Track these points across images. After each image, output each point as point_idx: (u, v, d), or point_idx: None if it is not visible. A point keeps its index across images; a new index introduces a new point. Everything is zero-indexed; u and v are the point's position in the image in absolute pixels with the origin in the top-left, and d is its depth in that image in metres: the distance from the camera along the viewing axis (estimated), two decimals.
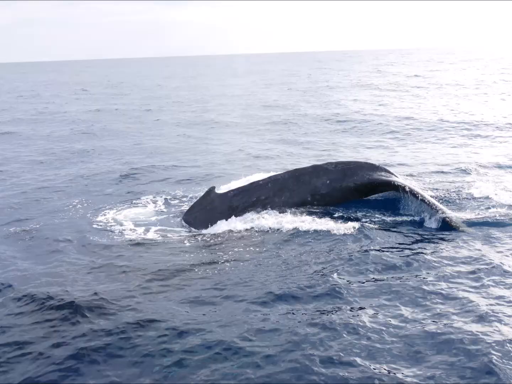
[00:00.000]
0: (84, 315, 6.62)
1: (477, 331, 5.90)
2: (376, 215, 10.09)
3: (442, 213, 9.32)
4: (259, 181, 10.98)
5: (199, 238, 9.62)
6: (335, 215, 10.09)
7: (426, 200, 9.58)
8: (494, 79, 45.55)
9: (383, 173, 10.45)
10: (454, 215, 9.56)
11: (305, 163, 15.25)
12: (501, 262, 7.75)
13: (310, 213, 10.10)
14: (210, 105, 35.51)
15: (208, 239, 9.53)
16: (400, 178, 10.70)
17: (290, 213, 10.03)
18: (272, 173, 11.49)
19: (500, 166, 14.23)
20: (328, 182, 10.56)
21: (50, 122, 28.96)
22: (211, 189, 10.88)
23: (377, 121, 24.01)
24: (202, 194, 11.07)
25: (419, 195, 9.69)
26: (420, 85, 43.42)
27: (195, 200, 11.22)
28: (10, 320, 6.67)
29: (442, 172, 13.76)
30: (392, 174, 10.59)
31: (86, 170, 16.26)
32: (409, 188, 9.84)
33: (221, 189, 11.63)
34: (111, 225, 10.52)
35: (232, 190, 10.91)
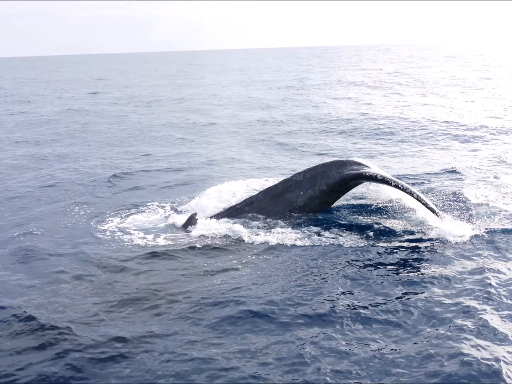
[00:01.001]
0: (83, 336, 6.43)
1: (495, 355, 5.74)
2: (360, 222, 10.10)
3: (419, 198, 9.27)
4: (236, 205, 10.83)
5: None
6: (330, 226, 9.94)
7: (400, 186, 9.45)
8: (478, 76, 46.21)
9: (353, 167, 10.27)
10: (431, 202, 9.64)
11: (289, 166, 15.23)
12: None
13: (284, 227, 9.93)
14: (190, 104, 35.20)
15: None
16: (374, 167, 10.54)
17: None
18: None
19: (490, 169, 14.25)
20: (302, 193, 10.42)
21: (27, 124, 28.03)
22: (193, 216, 10.48)
23: (361, 122, 23.93)
24: (185, 221, 10.57)
25: (392, 181, 9.56)
26: (403, 83, 43.90)
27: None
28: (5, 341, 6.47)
29: (435, 176, 13.73)
30: (364, 165, 10.42)
31: (72, 174, 15.85)
32: (381, 176, 9.73)
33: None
34: (114, 235, 10.22)
35: (212, 216, 10.66)
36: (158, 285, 7.89)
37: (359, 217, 10.44)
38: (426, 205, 9.19)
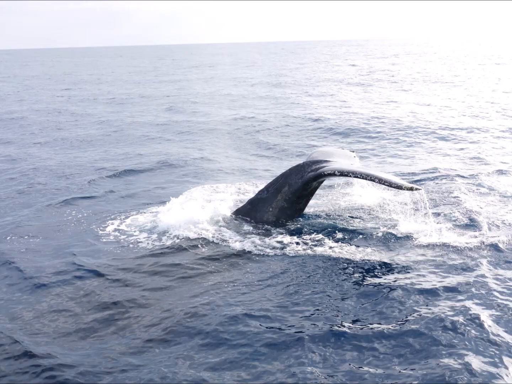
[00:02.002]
0: None
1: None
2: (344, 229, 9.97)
3: (383, 181, 9.12)
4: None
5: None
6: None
7: (359, 175, 9.34)
8: (454, 73, 46.82)
9: (313, 167, 10.10)
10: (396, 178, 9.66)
11: (266, 168, 15.04)
12: None
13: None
14: (164, 101, 34.64)
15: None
16: (336, 158, 10.42)
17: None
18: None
19: (476, 174, 14.09)
20: (271, 209, 10.35)
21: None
22: None
23: (342, 122, 23.63)
24: None
25: (351, 173, 9.47)
26: (381, 79, 44.03)
27: None
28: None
29: (422, 180, 13.61)
30: (323, 161, 10.22)
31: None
32: (339, 171, 9.63)
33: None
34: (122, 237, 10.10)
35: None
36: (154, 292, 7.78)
37: (343, 221, 10.41)
38: (392, 184, 9.00)
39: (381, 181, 9.08)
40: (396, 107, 27.92)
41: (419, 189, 8.88)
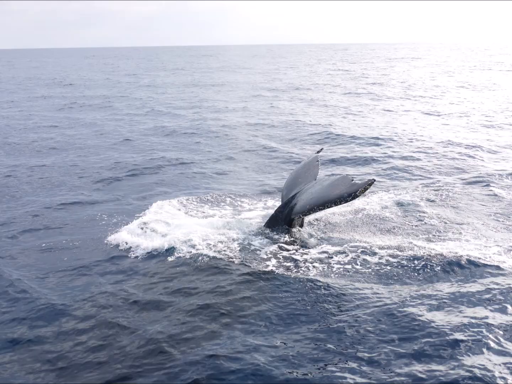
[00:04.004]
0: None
1: None
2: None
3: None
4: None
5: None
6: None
7: (320, 207, 9.42)
8: (448, 80, 47.16)
9: (284, 213, 10.26)
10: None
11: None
12: None
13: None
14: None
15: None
16: (300, 196, 10.33)
17: None
18: None
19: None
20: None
21: None
22: None
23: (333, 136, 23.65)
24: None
25: (306, 211, 9.64)
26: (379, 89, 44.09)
27: None
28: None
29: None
30: (293, 196, 10.36)
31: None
32: (301, 214, 9.86)
33: None
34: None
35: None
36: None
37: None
38: (347, 198, 8.94)
39: (337, 202, 9.04)
40: (408, 119, 27.87)
41: (372, 180, 8.76)
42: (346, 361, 6.29)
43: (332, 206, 9.25)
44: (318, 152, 12.01)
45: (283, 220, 10.26)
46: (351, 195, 8.74)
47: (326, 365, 6.23)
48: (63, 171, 16.72)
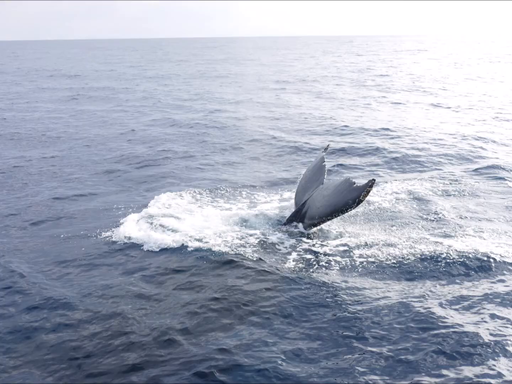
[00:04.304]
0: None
1: None
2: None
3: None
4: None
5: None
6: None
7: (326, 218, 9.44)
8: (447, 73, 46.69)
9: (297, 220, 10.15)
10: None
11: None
12: None
13: None
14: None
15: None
16: (310, 203, 10.21)
17: None
18: None
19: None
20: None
21: None
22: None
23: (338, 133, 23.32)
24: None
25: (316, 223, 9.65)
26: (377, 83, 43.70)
27: None
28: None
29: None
30: (303, 204, 10.26)
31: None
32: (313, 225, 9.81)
33: None
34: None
35: None
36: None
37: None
38: (352, 205, 8.85)
39: (344, 211, 8.97)
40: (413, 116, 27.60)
41: (372, 181, 8.57)
42: (365, 356, 6.15)
43: (340, 215, 9.24)
44: (325, 149, 11.76)
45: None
46: (356, 201, 8.64)
47: (342, 360, 6.09)
48: (69, 162, 16.60)
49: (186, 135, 20.93)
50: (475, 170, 14.83)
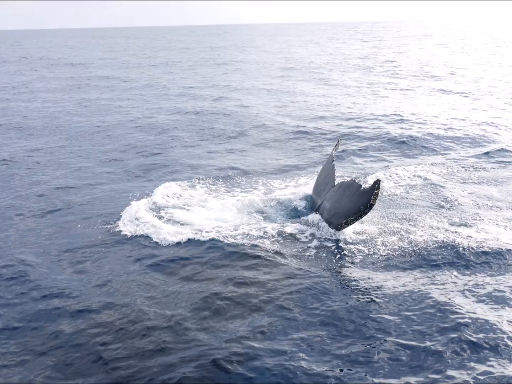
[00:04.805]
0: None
1: None
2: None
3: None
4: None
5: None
6: None
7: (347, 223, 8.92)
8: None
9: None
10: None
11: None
12: None
13: None
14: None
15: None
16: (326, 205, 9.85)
17: None
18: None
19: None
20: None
21: None
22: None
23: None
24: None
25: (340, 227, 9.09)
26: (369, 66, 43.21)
27: None
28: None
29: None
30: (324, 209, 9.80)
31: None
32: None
33: None
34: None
35: None
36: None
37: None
38: (366, 209, 8.49)
39: (358, 217, 8.59)
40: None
41: (377, 182, 8.24)
42: (384, 346, 6.02)
43: (355, 222, 8.77)
44: (335, 147, 11.50)
45: None
46: (367, 206, 8.35)
47: (361, 350, 5.93)
48: (75, 151, 16.44)
49: (193, 122, 20.71)
50: (488, 155, 14.57)
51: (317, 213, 9.84)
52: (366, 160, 14.79)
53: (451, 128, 18.13)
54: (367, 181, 12.36)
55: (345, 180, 9.58)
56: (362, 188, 8.66)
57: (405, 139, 16.73)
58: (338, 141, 11.93)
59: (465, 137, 16.82)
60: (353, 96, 26.44)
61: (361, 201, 8.51)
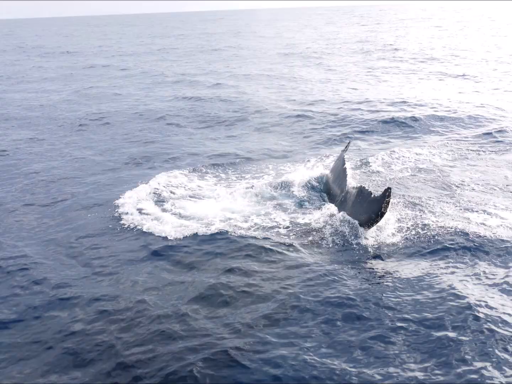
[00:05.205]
0: None
1: None
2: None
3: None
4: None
5: None
6: None
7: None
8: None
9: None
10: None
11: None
12: None
13: None
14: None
15: None
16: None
17: None
18: None
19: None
20: None
21: None
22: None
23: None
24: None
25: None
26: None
27: None
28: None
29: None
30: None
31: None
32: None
33: None
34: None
35: None
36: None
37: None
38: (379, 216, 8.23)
39: (370, 226, 8.34)
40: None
41: (388, 190, 7.99)
42: (397, 336, 5.87)
43: (370, 228, 8.46)
44: (345, 148, 11.24)
45: None
46: (379, 214, 8.11)
47: (379, 340, 5.77)
48: (74, 140, 16.21)
49: (193, 109, 20.41)
50: (495, 137, 14.33)
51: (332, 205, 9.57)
52: (370, 143, 14.60)
53: (455, 110, 17.87)
54: (370, 164, 12.12)
55: (355, 186, 9.22)
56: (372, 196, 8.44)
57: (408, 121, 16.51)
58: (348, 142, 11.68)
59: (470, 119, 16.59)
60: (354, 81, 26.11)
61: (372, 209, 8.31)
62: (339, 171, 10.50)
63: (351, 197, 9.20)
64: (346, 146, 11.42)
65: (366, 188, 8.75)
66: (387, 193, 7.99)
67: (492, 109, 17.82)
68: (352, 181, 9.78)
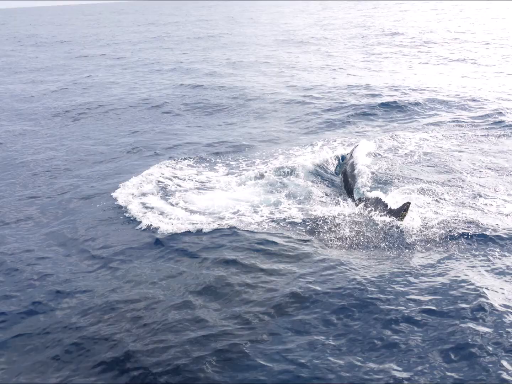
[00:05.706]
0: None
1: None
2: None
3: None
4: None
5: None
6: None
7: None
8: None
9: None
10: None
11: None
12: None
13: None
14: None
15: None
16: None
17: None
18: None
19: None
20: None
21: None
22: None
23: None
24: None
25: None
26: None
27: None
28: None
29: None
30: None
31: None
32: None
33: None
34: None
35: None
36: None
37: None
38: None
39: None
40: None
41: (407, 204, 7.90)
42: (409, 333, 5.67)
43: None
44: (352, 151, 11.03)
45: None
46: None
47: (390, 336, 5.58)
48: (72, 131, 15.93)
49: (191, 96, 20.10)
50: (503, 122, 14.08)
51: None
52: (372, 126, 14.41)
53: (458, 95, 17.61)
54: (376, 149, 11.82)
55: (371, 197, 8.94)
56: (388, 208, 8.22)
57: (409, 105, 16.27)
58: (355, 146, 11.43)
59: (474, 102, 16.34)
60: (353, 66, 25.76)
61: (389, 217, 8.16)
62: (351, 176, 10.18)
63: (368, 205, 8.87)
64: (353, 150, 11.17)
65: (382, 199, 8.48)
66: (405, 207, 7.85)
67: (495, 93, 17.56)
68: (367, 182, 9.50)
